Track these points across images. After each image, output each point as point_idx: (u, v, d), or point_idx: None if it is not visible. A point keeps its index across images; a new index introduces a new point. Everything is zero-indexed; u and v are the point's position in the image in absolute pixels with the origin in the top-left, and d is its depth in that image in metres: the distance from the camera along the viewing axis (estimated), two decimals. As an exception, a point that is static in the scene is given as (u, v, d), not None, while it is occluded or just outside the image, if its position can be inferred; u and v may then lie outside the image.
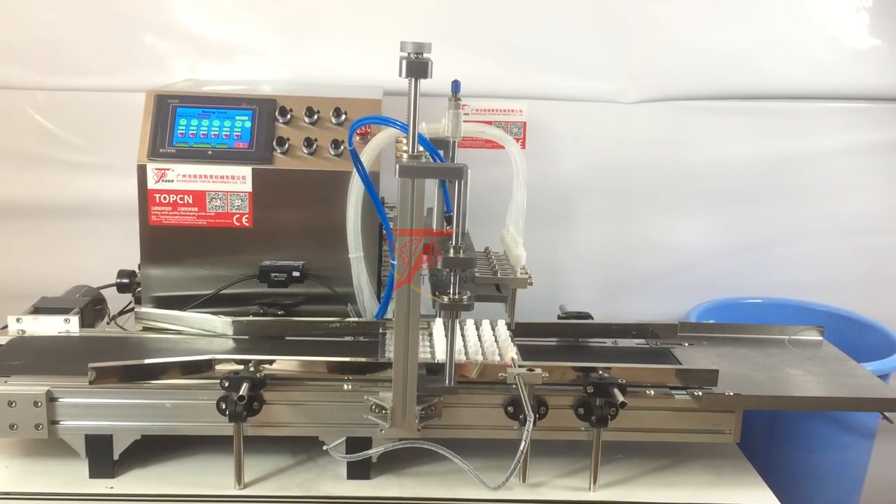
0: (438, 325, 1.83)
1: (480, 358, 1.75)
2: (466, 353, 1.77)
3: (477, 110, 2.39)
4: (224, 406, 1.61)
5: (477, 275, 1.66)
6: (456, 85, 1.64)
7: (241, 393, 1.58)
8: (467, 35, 2.47)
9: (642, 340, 1.96)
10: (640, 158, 2.56)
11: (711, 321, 2.11)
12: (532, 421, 1.55)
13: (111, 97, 2.47)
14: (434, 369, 1.69)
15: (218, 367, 1.66)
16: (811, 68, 2.54)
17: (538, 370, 1.62)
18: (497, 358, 1.75)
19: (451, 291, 1.55)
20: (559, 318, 2.03)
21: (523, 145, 2.38)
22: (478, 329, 1.90)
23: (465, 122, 1.72)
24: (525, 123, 2.35)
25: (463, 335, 1.87)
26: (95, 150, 2.49)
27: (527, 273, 1.68)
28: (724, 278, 2.62)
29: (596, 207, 2.60)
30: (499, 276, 1.69)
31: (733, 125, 2.56)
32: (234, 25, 2.49)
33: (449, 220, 1.71)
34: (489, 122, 2.35)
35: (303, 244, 1.97)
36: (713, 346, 1.95)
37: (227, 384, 1.61)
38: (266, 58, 2.50)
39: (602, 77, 2.51)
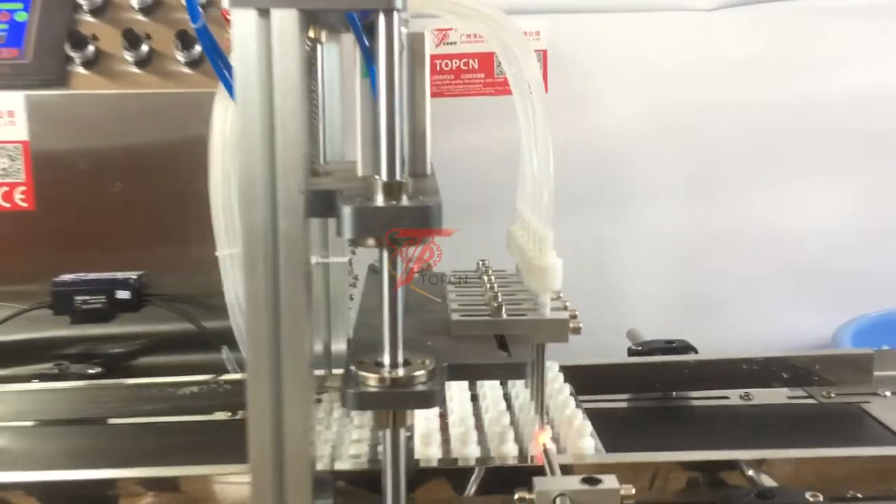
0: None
1: (474, 448, 0.85)
2: (447, 431, 0.88)
3: (469, 36, 1.75)
4: None
5: (457, 318, 0.80)
6: None
7: None
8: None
9: (801, 390, 1.15)
10: (728, 98, 1.79)
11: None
12: None
13: None
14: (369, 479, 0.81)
15: None
16: None
17: (610, 480, 0.71)
18: (510, 446, 0.86)
19: (388, 360, 0.67)
20: (631, 353, 1.24)
21: (544, 87, 1.77)
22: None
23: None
24: (545, 53, 1.74)
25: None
26: None
27: (565, 306, 0.82)
28: (875, 280, 1.85)
29: (662, 178, 1.82)
30: (504, 316, 0.80)
31: (876, 37, 1.79)
32: None
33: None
34: (489, 54, 1.72)
35: (136, 238, 1.23)
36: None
37: None
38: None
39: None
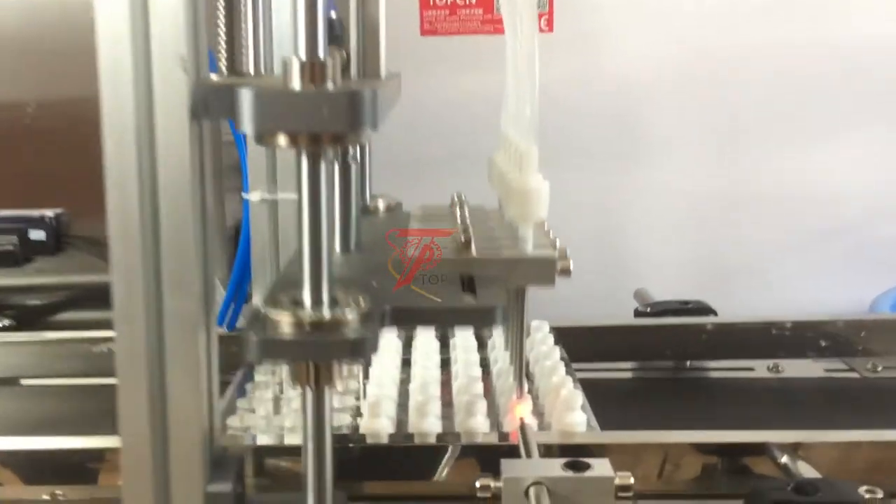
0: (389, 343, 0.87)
1: (434, 422, 0.71)
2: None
3: (460, -27, 1.68)
4: None
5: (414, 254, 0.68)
6: None
7: None
8: None
9: (840, 361, 1.02)
10: (753, 40, 1.65)
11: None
12: None
13: None
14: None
15: None
16: None
17: (601, 466, 0.56)
18: (479, 419, 0.71)
19: (308, 299, 0.52)
20: (637, 314, 1.10)
21: (550, 25, 1.66)
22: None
23: None
24: (551, -12, 1.66)
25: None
26: None
27: (553, 243, 0.66)
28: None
29: (679, 127, 1.68)
30: (472, 254, 0.65)
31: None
32: None
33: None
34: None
35: (53, 169, 1.10)
36: None
37: None
38: None
39: None
